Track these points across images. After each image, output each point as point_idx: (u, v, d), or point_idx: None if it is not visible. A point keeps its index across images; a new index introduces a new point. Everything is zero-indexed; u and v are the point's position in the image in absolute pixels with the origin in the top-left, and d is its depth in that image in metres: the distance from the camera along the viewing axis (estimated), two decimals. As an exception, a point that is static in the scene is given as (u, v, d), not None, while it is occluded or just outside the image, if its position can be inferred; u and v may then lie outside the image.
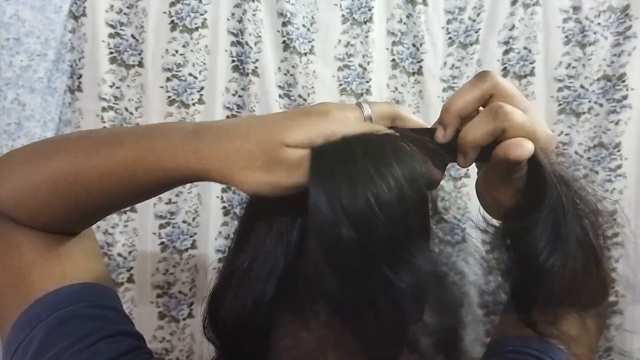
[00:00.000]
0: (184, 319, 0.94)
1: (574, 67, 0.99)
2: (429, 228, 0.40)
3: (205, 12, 0.88)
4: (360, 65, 0.94)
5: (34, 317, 0.44)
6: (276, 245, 0.40)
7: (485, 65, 0.99)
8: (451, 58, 0.98)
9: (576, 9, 0.97)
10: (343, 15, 0.93)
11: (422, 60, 0.96)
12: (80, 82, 0.87)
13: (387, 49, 0.97)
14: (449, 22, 0.98)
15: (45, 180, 0.43)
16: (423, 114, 0.98)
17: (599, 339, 0.55)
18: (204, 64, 0.90)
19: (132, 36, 0.88)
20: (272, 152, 0.35)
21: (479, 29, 0.98)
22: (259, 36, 0.89)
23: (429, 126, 0.42)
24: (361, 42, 0.93)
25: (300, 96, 0.92)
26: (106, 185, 0.41)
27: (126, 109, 0.88)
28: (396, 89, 0.97)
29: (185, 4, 0.87)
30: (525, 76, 0.99)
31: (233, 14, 0.89)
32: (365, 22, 0.93)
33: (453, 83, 0.99)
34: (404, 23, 0.96)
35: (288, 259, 0.40)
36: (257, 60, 0.90)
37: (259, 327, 0.40)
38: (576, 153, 1.01)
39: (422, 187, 0.36)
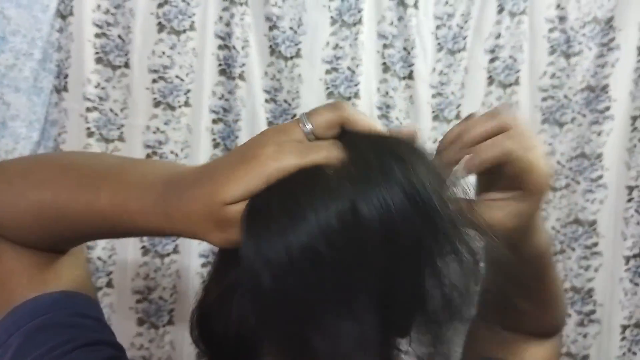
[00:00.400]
0: (163, 326, 0.95)
1: (558, 77, 1.04)
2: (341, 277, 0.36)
3: (193, 14, 0.91)
4: (349, 68, 0.97)
5: (11, 325, 0.45)
6: None
7: (471, 73, 1.03)
8: (440, 64, 1.02)
9: (562, 19, 1.02)
10: (332, 17, 0.96)
11: (413, 64, 1.00)
12: (66, 82, 0.89)
13: (378, 52, 1.00)
14: (438, 27, 1.01)
15: (28, 208, 0.45)
16: (413, 119, 1.01)
17: None
18: (191, 66, 0.92)
19: (119, 37, 0.90)
20: (216, 214, 0.35)
21: (467, 36, 1.02)
22: (246, 40, 0.92)
23: (379, 128, 0.40)
24: (350, 45, 0.97)
25: (285, 101, 0.95)
26: (88, 226, 0.44)
27: (111, 110, 0.90)
28: (387, 93, 1.00)
29: (173, 5, 0.90)
30: (510, 85, 1.04)
31: (221, 18, 0.92)
32: (354, 24, 0.96)
33: (441, 89, 1.02)
34: (395, 26, 0.99)
35: None
36: (244, 64, 0.93)
37: (250, 337, 0.41)
38: (558, 163, 1.05)
39: (335, 235, 0.34)
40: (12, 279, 0.47)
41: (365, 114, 0.39)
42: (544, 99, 1.05)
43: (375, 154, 0.36)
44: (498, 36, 1.02)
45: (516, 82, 1.04)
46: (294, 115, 0.96)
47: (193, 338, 0.46)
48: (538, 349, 0.55)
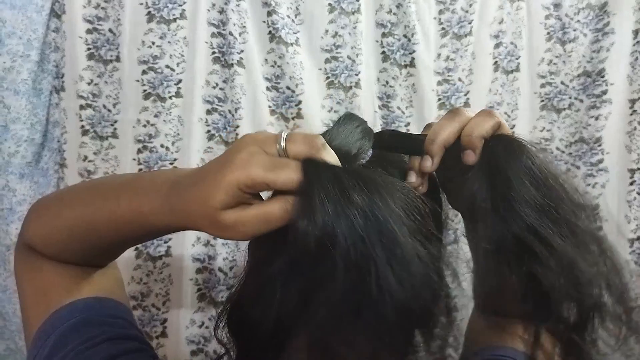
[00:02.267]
0: (156, 337, 1.01)
1: (555, 64, 1.15)
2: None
3: (184, 2, 0.98)
4: (349, 57, 1.05)
5: (49, 327, 0.55)
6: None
7: (478, 58, 1.12)
8: (445, 49, 1.11)
9: (557, 5, 1.13)
10: (330, 4, 1.04)
11: (414, 51, 1.08)
12: (63, 82, 0.95)
13: (377, 41, 1.08)
14: (440, 12, 1.10)
15: (64, 225, 0.56)
16: (417, 108, 1.10)
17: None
18: (182, 55, 0.99)
19: (110, 30, 0.96)
20: (213, 217, 0.44)
21: (472, 20, 1.11)
22: (244, 26, 0.99)
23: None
24: (349, 33, 1.04)
25: (288, 87, 1.02)
26: (114, 233, 0.54)
27: (104, 106, 0.96)
28: (387, 82, 1.09)
29: (163, -6, 0.96)
30: (512, 71, 1.14)
31: (214, 5, 0.99)
32: (353, 13, 1.04)
33: (448, 76, 1.11)
34: (394, 13, 1.08)
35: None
36: (242, 51, 0.99)
37: (285, 324, 0.47)
38: (557, 149, 1.16)
39: None
40: (52, 289, 0.58)
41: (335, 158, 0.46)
42: (542, 86, 1.16)
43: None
44: (501, 21, 1.12)
45: (517, 69, 1.15)
46: (299, 102, 1.03)
47: (216, 332, 0.54)
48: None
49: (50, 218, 0.58)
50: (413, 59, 1.09)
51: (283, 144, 0.45)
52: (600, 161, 1.16)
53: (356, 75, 1.05)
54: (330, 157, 0.46)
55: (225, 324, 0.53)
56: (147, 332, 1.00)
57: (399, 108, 1.10)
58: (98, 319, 0.56)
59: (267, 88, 1.03)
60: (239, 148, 0.44)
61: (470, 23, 1.11)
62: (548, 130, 1.17)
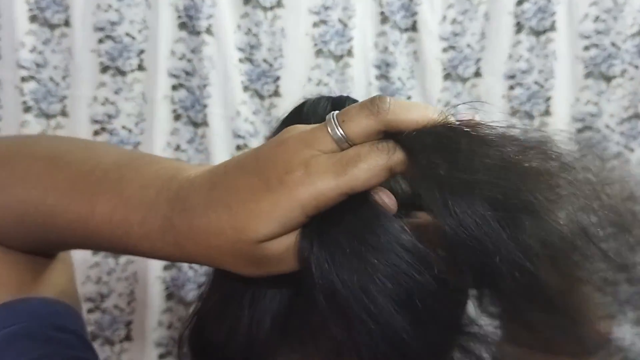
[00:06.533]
0: (120, 342, 1.07)
1: (603, 21, 1.15)
2: None
3: None
4: (340, 21, 1.08)
5: None
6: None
7: (493, 19, 1.13)
8: (452, 11, 1.13)
9: (601, -52, 1.12)
10: None
11: (416, 13, 1.11)
12: None
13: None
14: None
15: (10, 206, 0.51)
16: (418, 79, 1.13)
17: None
18: (144, 21, 1.04)
19: None
20: (250, 253, 0.41)
21: None
22: None
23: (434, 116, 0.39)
24: None
25: (265, 60, 1.06)
26: (80, 239, 0.49)
27: (51, 79, 1.02)
28: (386, 48, 1.12)
29: (120, -51, 1.01)
30: (544, 32, 1.15)
31: None
32: None
33: (454, 42, 1.13)
34: None
35: (294, 287, 0.47)
36: (211, 16, 1.04)
37: (258, 353, 0.49)
38: (607, 126, 1.17)
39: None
40: None
41: (415, 102, 0.41)
42: (587, 48, 1.16)
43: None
44: (524, -27, 1.13)
45: (552, 28, 1.15)
46: (277, 78, 1.07)
47: (180, 355, 0.54)
48: None
49: None
50: (415, 22, 1.11)
51: (339, 130, 0.39)
52: (657, 142, 1.16)
53: (348, 41, 1.09)
54: (408, 108, 0.39)
55: (187, 346, 0.53)
56: (108, 337, 1.07)
57: (399, 79, 1.13)
58: (43, 333, 0.53)
59: (240, 60, 1.07)
60: (286, 162, 0.39)
61: (482, -22, 1.12)
62: (595, 104, 1.17)
